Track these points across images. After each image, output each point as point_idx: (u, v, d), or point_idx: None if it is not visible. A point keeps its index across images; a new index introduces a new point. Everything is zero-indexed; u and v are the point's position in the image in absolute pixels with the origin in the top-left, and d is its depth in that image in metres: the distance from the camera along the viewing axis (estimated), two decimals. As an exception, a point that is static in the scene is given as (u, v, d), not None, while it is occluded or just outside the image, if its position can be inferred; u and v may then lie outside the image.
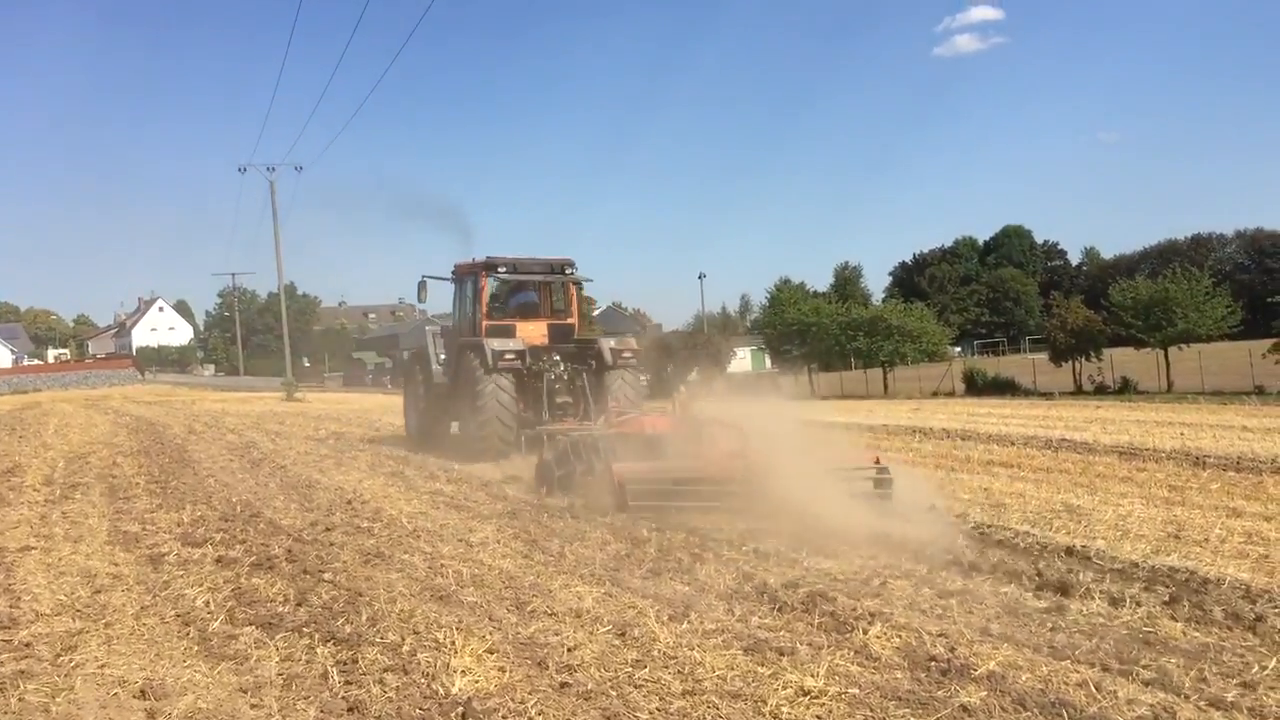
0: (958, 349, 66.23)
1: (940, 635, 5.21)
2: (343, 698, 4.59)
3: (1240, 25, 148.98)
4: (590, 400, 14.46)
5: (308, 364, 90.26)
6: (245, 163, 48.05)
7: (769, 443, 9.30)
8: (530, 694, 4.52)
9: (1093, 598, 5.94)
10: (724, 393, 16.26)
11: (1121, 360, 33.84)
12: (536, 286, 16.39)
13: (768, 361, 53.87)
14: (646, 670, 4.79)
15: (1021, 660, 4.83)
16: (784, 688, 4.49)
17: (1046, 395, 31.12)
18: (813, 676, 4.59)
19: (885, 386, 40.34)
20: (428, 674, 4.81)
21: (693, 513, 8.68)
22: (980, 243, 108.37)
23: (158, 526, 9.37)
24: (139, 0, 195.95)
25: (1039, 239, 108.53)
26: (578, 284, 16.72)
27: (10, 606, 6.43)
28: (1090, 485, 10.62)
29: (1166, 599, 5.89)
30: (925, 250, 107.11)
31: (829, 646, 5.08)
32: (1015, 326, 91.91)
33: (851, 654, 4.98)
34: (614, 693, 4.53)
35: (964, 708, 4.26)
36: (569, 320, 16.34)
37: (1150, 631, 5.34)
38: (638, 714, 4.31)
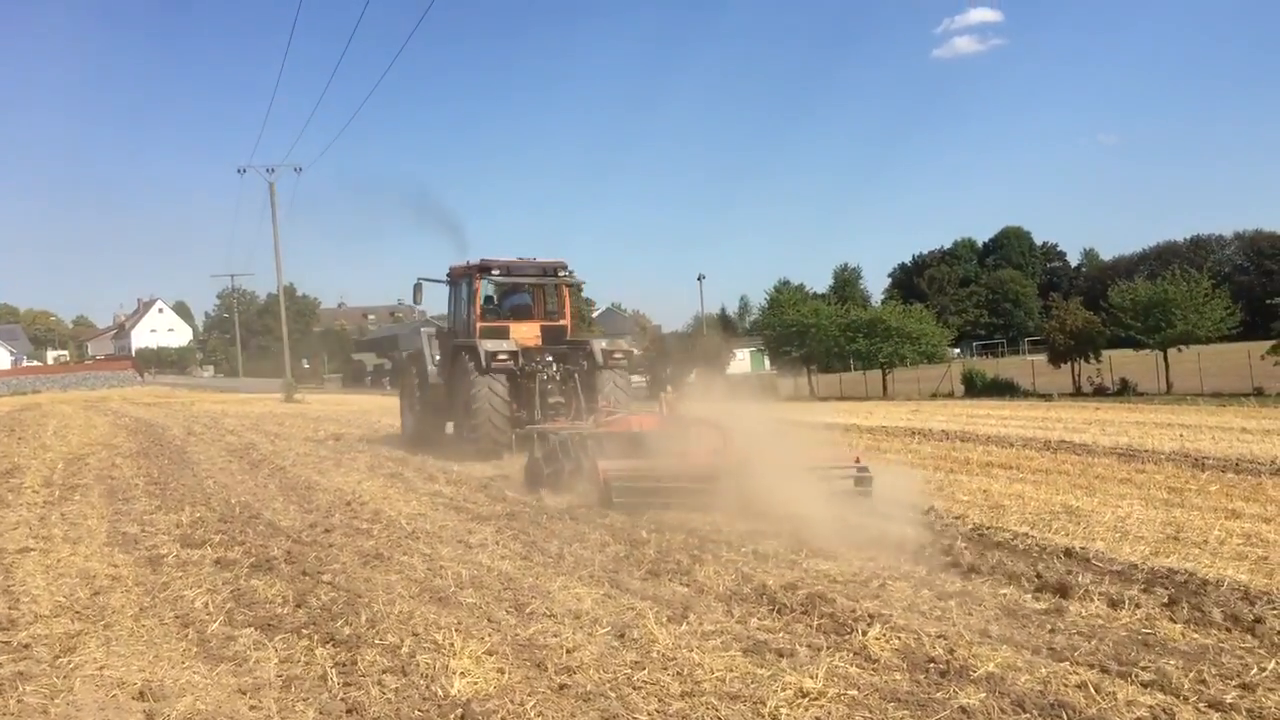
0: (957, 350, 66.27)
1: (939, 637, 5.21)
2: (341, 699, 4.59)
3: (1239, 28, 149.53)
4: (582, 400, 14.63)
5: (307, 365, 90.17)
6: (245, 164, 48.18)
7: (752, 442, 9.56)
8: (529, 695, 4.52)
9: (1092, 599, 5.93)
10: (716, 393, 16.32)
11: (1120, 362, 33.89)
12: (530, 289, 16.64)
13: (767, 363, 53.86)
14: (645, 671, 4.79)
15: (1020, 662, 4.83)
16: (783, 689, 4.49)
17: (1045, 397, 31.14)
18: (812, 678, 4.59)
19: (884, 388, 40.37)
20: (427, 675, 4.80)
21: (686, 511, 8.89)
22: (979, 244, 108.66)
23: (157, 528, 9.37)
24: (139, 1, 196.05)
25: (1038, 240, 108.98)
26: (570, 286, 16.98)
27: (9, 608, 6.43)
28: (1089, 487, 10.62)
29: (1165, 601, 5.89)
30: (924, 252, 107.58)
31: (828, 648, 5.09)
32: (1014, 328, 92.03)
33: (850, 655, 4.99)
34: (613, 694, 4.53)
35: (963, 709, 4.26)
36: (561, 322, 16.55)
37: (1149, 633, 5.34)
38: (637, 715, 4.31)
